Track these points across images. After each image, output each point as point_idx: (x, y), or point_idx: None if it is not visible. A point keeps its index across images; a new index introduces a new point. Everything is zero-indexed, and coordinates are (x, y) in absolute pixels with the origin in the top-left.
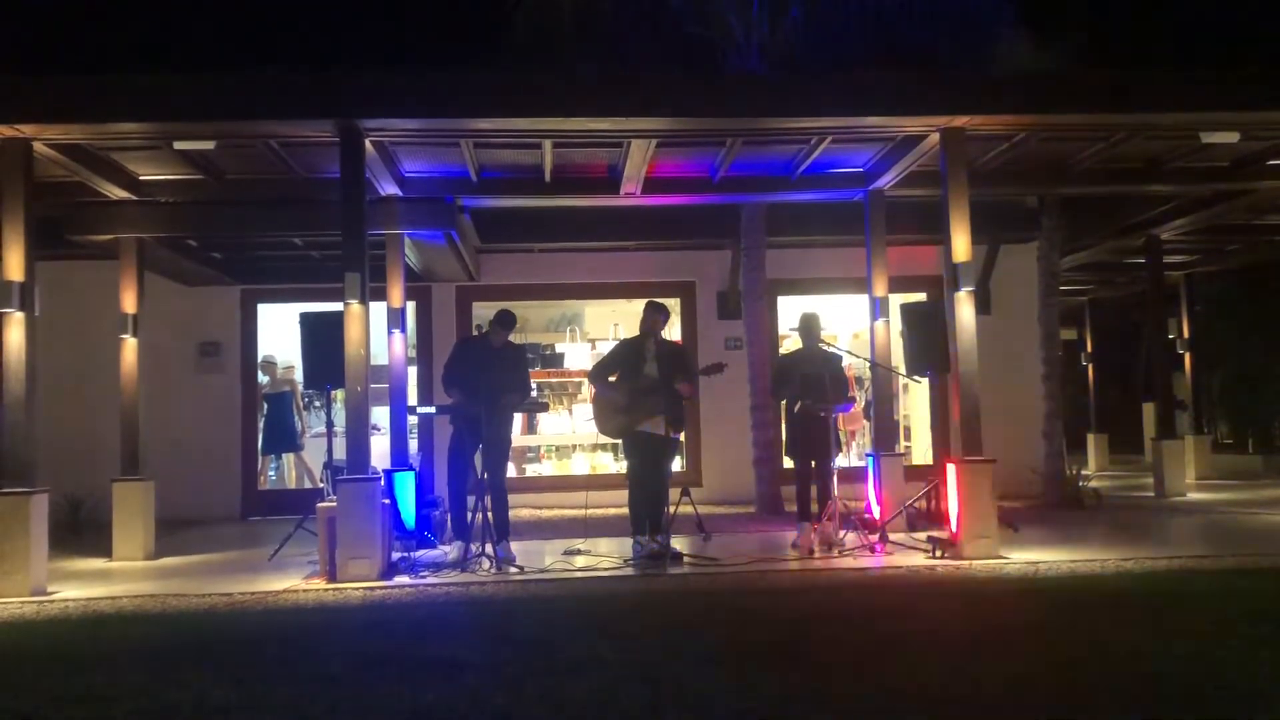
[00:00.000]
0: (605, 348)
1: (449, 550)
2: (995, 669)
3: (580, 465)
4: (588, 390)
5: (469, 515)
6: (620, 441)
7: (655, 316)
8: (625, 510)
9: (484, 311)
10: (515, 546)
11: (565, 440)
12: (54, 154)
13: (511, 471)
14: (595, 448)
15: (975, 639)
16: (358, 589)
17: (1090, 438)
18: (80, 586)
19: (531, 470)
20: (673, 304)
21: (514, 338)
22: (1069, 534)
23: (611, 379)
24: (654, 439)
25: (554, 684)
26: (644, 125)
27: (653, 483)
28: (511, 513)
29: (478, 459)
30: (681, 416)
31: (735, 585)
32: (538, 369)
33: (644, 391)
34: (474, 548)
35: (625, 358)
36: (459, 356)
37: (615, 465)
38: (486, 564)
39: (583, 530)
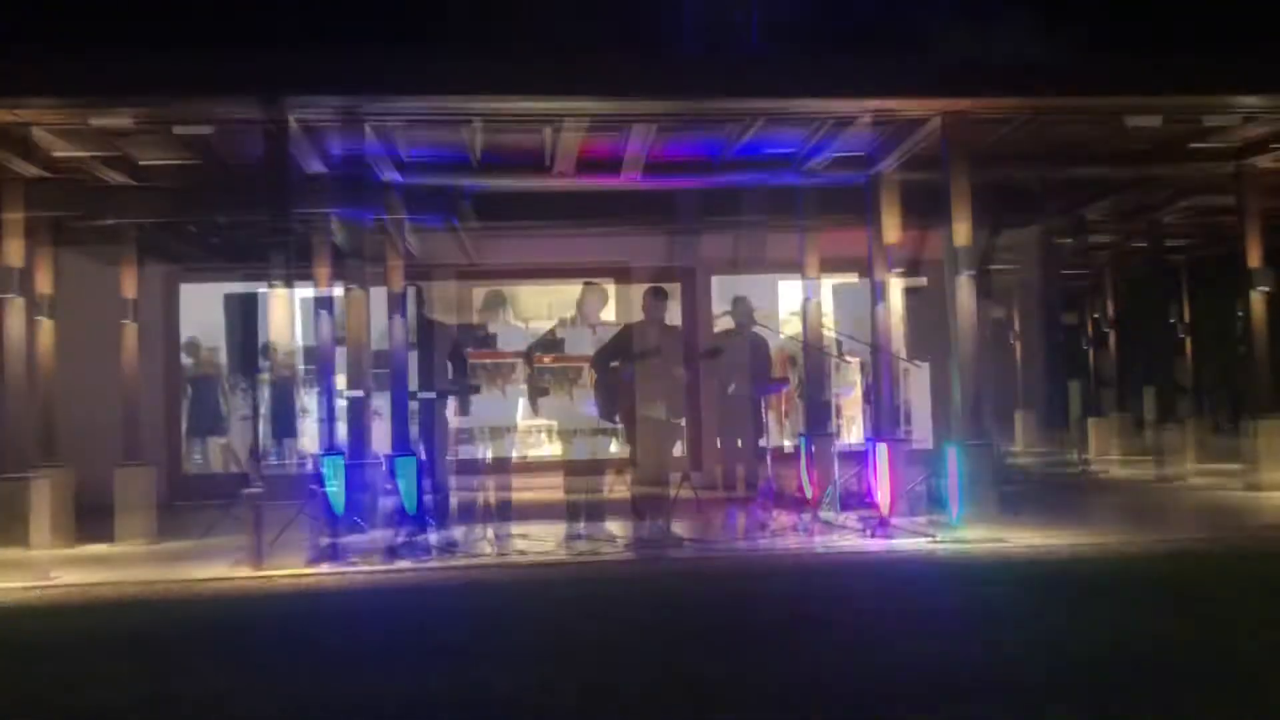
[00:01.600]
0: (539, 329)
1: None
2: (994, 651)
3: (580, 449)
4: (589, 375)
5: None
6: (621, 426)
7: (657, 302)
8: (626, 494)
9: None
10: (519, 528)
11: (564, 424)
12: None
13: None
14: (595, 432)
15: (972, 621)
16: (285, 576)
17: (1091, 422)
18: (82, 572)
19: (533, 453)
20: (673, 289)
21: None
22: (1071, 516)
23: (614, 365)
24: (655, 423)
25: (554, 668)
26: (646, 108)
27: (654, 466)
28: (514, 495)
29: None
30: (682, 400)
31: (734, 568)
32: (471, 350)
33: (645, 376)
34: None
35: (627, 343)
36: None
37: (616, 449)
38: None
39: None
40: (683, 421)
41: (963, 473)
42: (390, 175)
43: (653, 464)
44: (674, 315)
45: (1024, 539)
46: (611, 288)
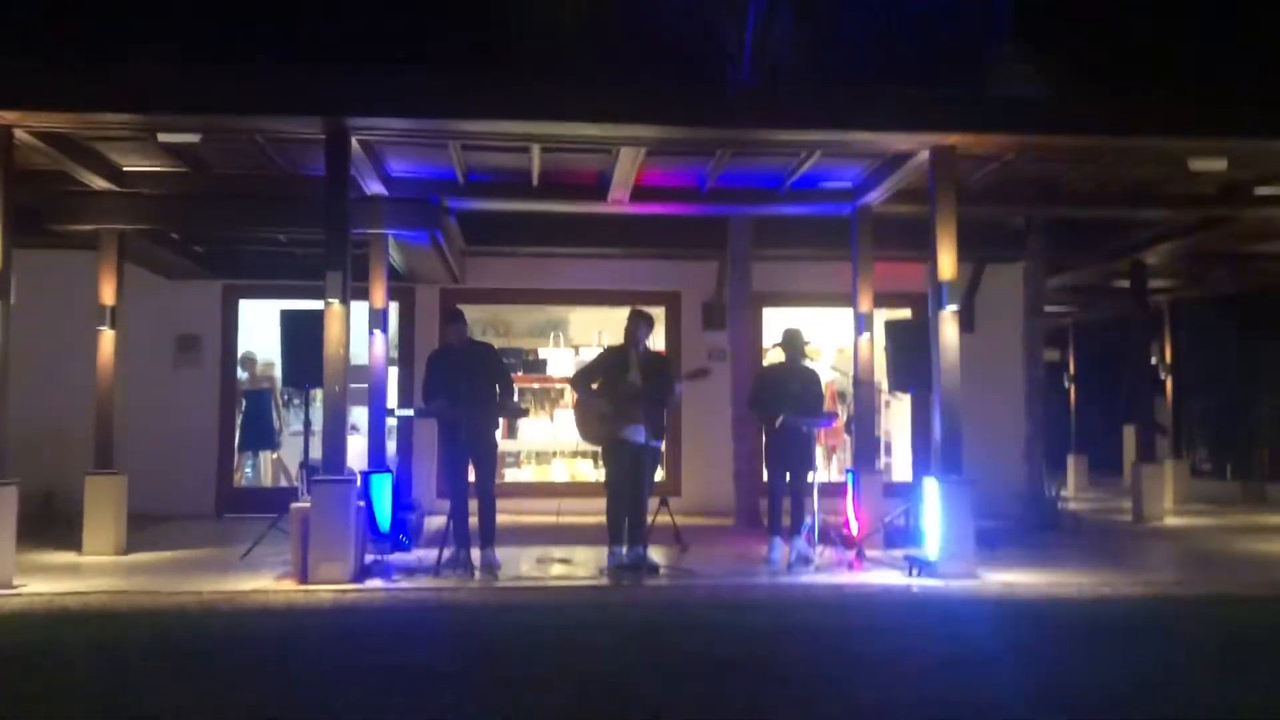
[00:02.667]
0: (589, 354)
1: (425, 555)
2: (967, 692)
3: (560, 472)
4: (570, 397)
5: (449, 521)
6: (600, 449)
7: (639, 325)
8: (603, 519)
9: (469, 315)
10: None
11: (546, 447)
12: (35, 142)
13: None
14: (575, 455)
15: (949, 660)
16: (329, 591)
17: (1070, 459)
18: (48, 581)
19: (511, 476)
20: (658, 313)
21: (498, 341)
22: (1047, 556)
23: (594, 386)
24: (634, 447)
25: (523, 696)
26: (634, 133)
27: (631, 492)
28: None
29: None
30: (663, 426)
31: (710, 598)
32: (519, 374)
33: (626, 400)
34: (459, 553)
35: (608, 365)
36: (434, 367)
37: (595, 473)
38: (476, 571)
39: (560, 538)
40: (661, 445)
41: (944, 510)
42: (446, 198)
43: (629, 489)
44: (710, 342)
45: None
46: (661, 313)
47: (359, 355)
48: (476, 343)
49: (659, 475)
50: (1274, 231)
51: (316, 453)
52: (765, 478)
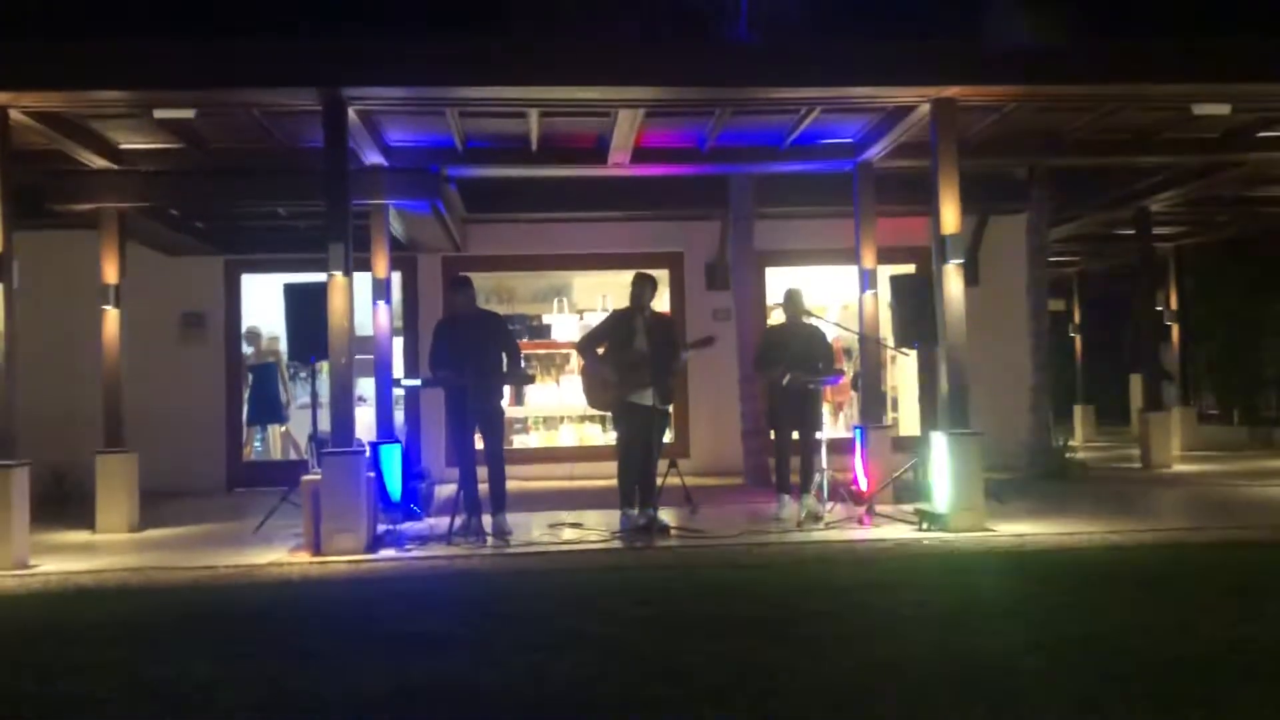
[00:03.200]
0: (593, 319)
1: (437, 523)
2: (981, 643)
3: (568, 437)
4: (576, 362)
5: (460, 489)
6: (609, 413)
7: (644, 288)
8: (614, 482)
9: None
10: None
11: (553, 412)
12: (32, 122)
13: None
14: (583, 419)
15: (960, 612)
16: (343, 562)
17: (1077, 409)
18: (63, 560)
19: (519, 442)
20: (661, 275)
21: (502, 309)
22: (1056, 506)
23: (600, 351)
24: (643, 410)
25: (540, 660)
26: (631, 94)
27: (641, 454)
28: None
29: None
30: (670, 389)
31: (722, 558)
32: (525, 340)
33: (633, 364)
34: (470, 520)
35: (614, 330)
36: (440, 336)
37: (603, 437)
38: (488, 538)
39: (571, 502)
40: (670, 408)
41: (952, 463)
42: (445, 166)
43: (638, 452)
44: (714, 302)
45: None
46: (664, 274)
47: (363, 326)
48: (483, 311)
49: (667, 437)
50: (1278, 175)
51: (325, 425)
52: (773, 436)
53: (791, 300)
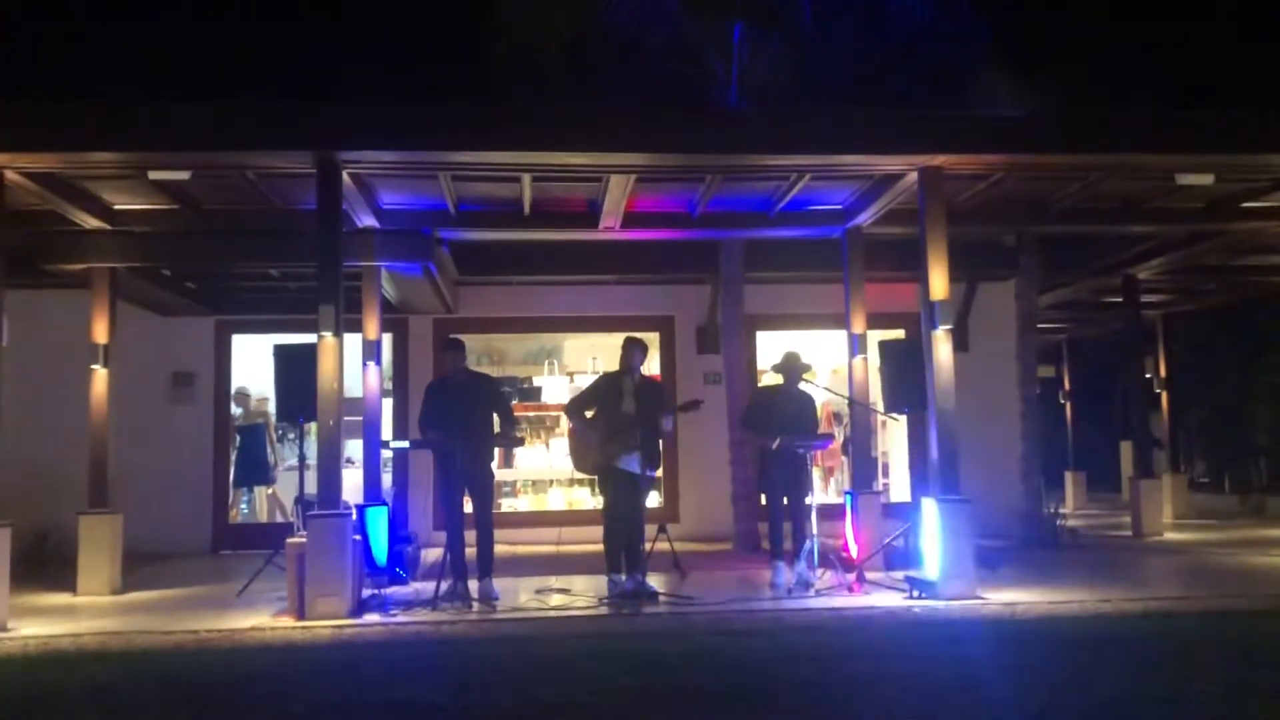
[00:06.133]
0: (583, 381)
1: (423, 587)
2: (972, 715)
3: (557, 500)
4: (565, 425)
5: (446, 553)
6: (596, 478)
7: (634, 352)
8: (601, 547)
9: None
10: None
11: (542, 475)
12: (26, 182)
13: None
14: (572, 483)
15: (952, 682)
16: (327, 627)
17: (1068, 476)
18: (43, 623)
19: (507, 505)
20: (651, 338)
21: (493, 370)
22: (1047, 574)
23: (589, 414)
24: (629, 476)
25: None
26: (623, 160)
27: (629, 519)
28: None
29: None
30: (658, 453)
31: (711, 625)
32: (516, 402)
33: (621, 427)
34: (457, 585)
35: (603, 393)
36: (431, 397)
37: (592, 501)
38: (474, 603)
39: (558, 567)
40: (658, 473)
41: (943, 530)
42: (438, 228)
43: (625, 516)
44: (704, 365)
45: None
46: (655, 338)
47: (353, 388)
48: (474, 373)
49: (656, 502)
50: (1263, 244)
51: (312, 487)
52: (764, 502)
53: (790, 363)
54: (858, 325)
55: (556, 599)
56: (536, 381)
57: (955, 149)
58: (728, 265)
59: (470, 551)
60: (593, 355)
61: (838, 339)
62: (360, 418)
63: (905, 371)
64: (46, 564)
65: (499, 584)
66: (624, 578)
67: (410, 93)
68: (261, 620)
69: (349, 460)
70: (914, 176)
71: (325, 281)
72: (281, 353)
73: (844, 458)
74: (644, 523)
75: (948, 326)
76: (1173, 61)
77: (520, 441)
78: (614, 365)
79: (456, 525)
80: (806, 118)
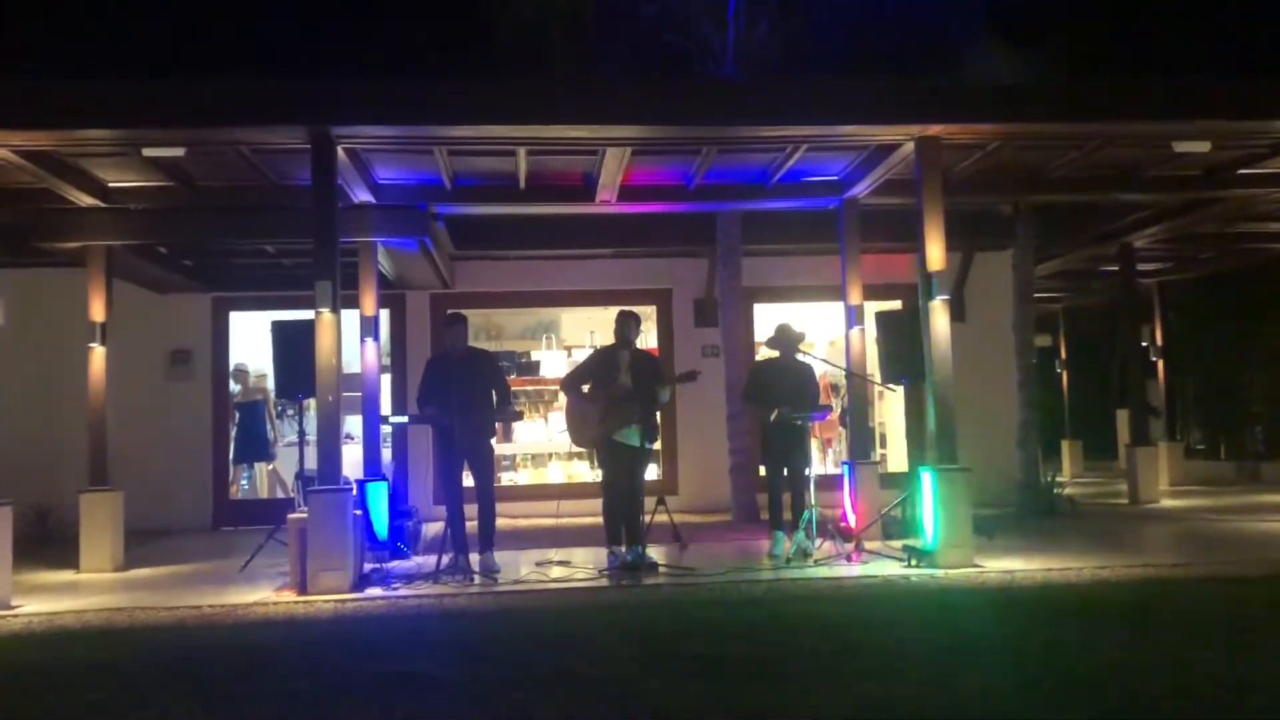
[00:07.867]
0: (581, 355)
1: (424, 561)
2: (969, 680)
3: (556, 474)
4: (561, 399)
5: (447, 526)
6: (594, 451)
7: (627, 325)
8: (601, 519)
9: None
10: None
11: (541, 449)
12: (20, 160)
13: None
14: (571, 456)
15: (950, 649)
16: (329, 601)
17: (1065, 444)
18: (46, 600)
19: (507, 479)
20: (648, 311)
21: (490, 345)
22: (1044, 542)
23: (585, 388)
24: (627, 448)
25: (525, 700)
26: (619, 133)
27: (628, 492)
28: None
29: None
30: (655, 426)
31: (710, 596)
32: (513, 376)
33: (618, 401)
34: (458, 558)
35: (599, 367)
36: (430, 373)
37: (591, 474)
38: (475, 576)
39: (558, 540)
40: (656, 445)
41: (940, 499)
42: (433, 203)
43: (624, 489)
44: (702, 338)
45: None
46: (652, 311)
47: (351, 363)
48: (474, 349)
49: (655, 474)
50: (1259, 211)
51: (312, 463)
52: (763, 473)
53: (784, 335)
54: (854, 296)
55: (557, 571)
56: (534, 356)
57: (952, 119)
58: (725, 238)
59: (471, 525)
60: (590, 329)
61: (835, 311)
62: (359, 393)
63: (902, 342)
64: (48, 542)
65: (499, 557)
66: (624, 550)
67: (403, 67)
68: (264, 595)
69: (348, 436)
70: (910, 147)
71: (321, 257)
72: (279, 329)
73: (842, 429)
74: (643, 495)
75: (944, 297)
76: (1169, 28)
77: (519, 416)
78: (611, 338)
79: (456, 499)
80: (803, 88)
